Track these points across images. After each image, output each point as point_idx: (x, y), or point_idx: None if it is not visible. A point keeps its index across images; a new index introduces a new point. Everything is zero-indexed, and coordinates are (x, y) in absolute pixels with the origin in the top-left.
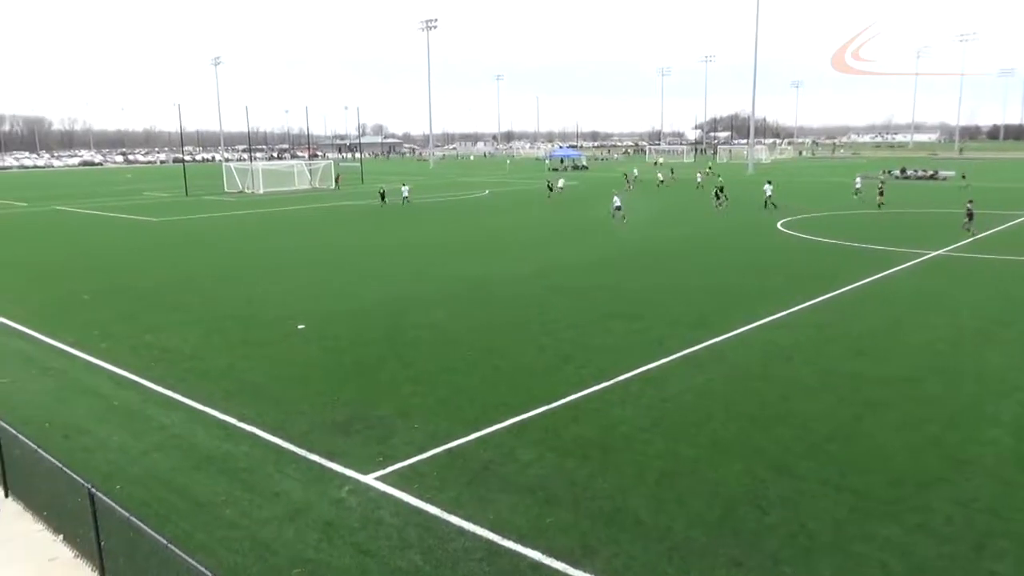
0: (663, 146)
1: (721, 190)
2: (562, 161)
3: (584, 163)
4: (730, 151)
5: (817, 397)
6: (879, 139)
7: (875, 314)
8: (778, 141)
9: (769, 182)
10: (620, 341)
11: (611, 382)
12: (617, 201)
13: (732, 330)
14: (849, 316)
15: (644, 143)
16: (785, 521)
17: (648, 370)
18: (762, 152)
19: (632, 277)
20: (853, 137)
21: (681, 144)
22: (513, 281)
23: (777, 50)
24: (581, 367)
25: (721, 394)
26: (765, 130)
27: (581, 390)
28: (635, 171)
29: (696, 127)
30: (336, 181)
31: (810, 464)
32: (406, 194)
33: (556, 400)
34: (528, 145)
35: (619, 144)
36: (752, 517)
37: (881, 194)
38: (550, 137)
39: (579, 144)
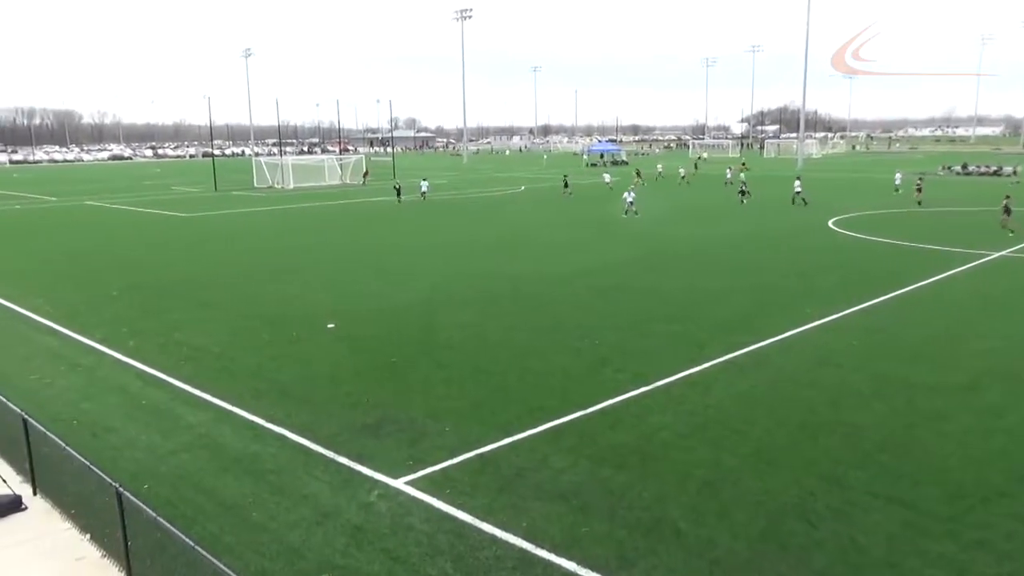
0: (707, 140)
1: (744, 187)
2: (601, 156)
3: (624, 158)
4: (778, 145)
5: (868, 405)
6: (939, 132)
7: (932, 318)
8: (830, 135)
9: (798, 178)
10: (659, 344)
11: (650, 387)
12: (629, 197)
13: (778, 334)
14: (904, 320)
15: (687, 137)
16: (834, 535)
17: (689, 375)
18: (813, 146)
19: (670, 277)
20: (911, 131)
21: (726, 138)
22: (547, 281)
23: (830, 38)
24: (619, 371)
25: (766, 401)
26: (816, 123)
27: (619, 395)
28: (659, 167)
29: (742, 120)
30: (364, 177)
31: (861, 475)
32: (424, 189)
33: (592, 405)
34: (566, 139)
35: (660, 138)
36: (799, 530)
37: (919, 191)
38: (588, 131)
39: (619, 138)
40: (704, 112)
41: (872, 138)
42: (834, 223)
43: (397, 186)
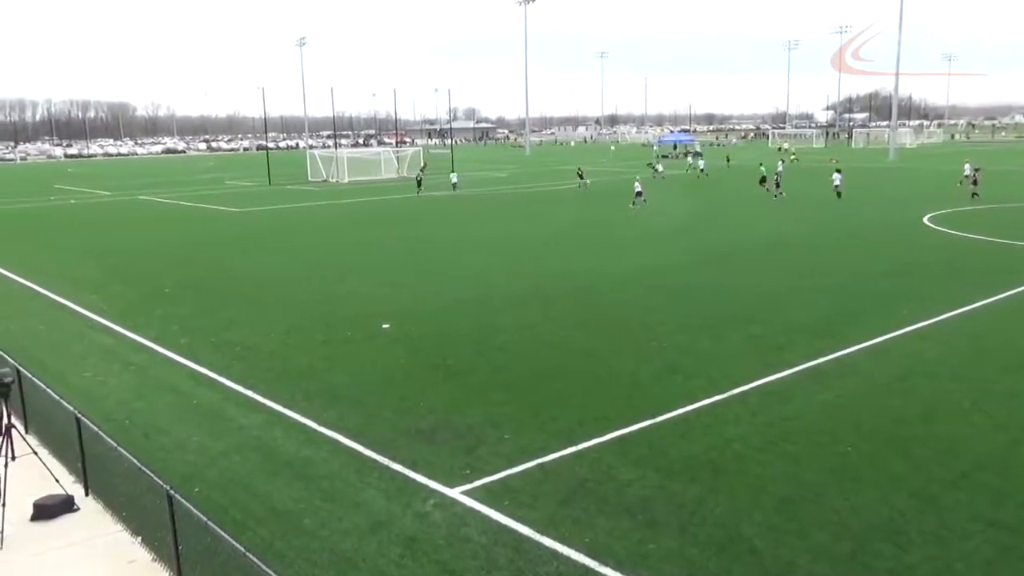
0: (789, 130)
1: (765, 181)
2: (675, 147)
3: (698, 149)
4: (868, 135)
5: (967, 418)
6: None
7: None
8: (926, 123)
9: (838, 171)
10: (733, 349)
11: (724, 395)
12: (638, 187)
13: (866, 339)
14: (1009, 325)
15: (766, 126)
16: (927, 560)
17: (766, 383)
18: (906, 136)
19: (744, 277)
20: (1017, 118)
21: (810, 127)
22: (610, 279)
23: (925, 17)
24: (690, 377)
25: (852, 412)
26: (910, 111)
27: (690, 403)
28: (690, 159)
29: (828, 108)
30: (421, 170)
31: (958, 495)
32: (455, 181)
33: (661, 413)
34: (635, 129)
35: (737, 128)
36: (888, 554)
37: (975, 183)
38: (659, 120)
39: (692, 128)
40: (785, 99)
41: (974, 126)
42: (929, 219)
43: (419, 177)
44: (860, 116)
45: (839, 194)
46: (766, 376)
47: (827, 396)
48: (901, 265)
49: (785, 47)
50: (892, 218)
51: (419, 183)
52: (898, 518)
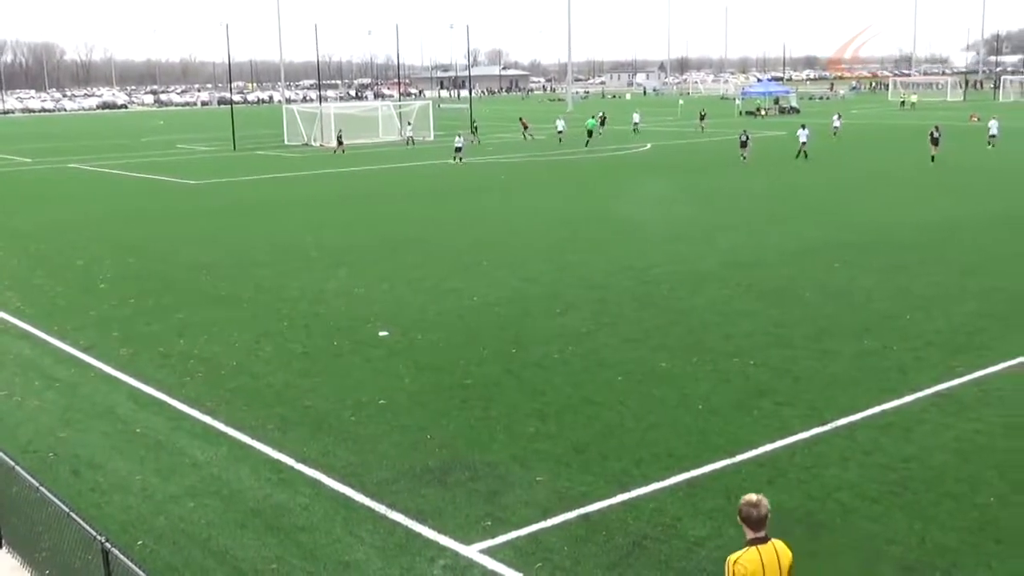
0: (915, 77)
1: (744, 141)
2: (777, 101)
3: (794, 103)
4: (1021, 84)
5: None
6: None
7: None
8: None
9: (803, 126)
10: (841, 368)
11: (826, 428)
12: (459, 142)
13: (1017, 355)
14: None
15: (886, 73)
16: None
17: (883, 412)
18: None
19: (860, 274)
20: None
21: (943, 73)
22: (686, 276)
23: None
24: (782, 404)
25: (997, 453)
26: None
27: (781, 438)
28: (599, 118)
29: (968, 48)
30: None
31: None
32: (413, 133)
33: (744, 451)
34: (710, 78)
35: (847, 75)
36: None
37: None
38: (743, 66)
39: (787, 76)
40: (911, 38)
41: None
42: None
43: (339, 133)
44: (1011, 60)
45: (805, 154)
46: (884, 403)
47: (964, 430)
48: None
49: None
50: None
51: (340, 140)
52: None
